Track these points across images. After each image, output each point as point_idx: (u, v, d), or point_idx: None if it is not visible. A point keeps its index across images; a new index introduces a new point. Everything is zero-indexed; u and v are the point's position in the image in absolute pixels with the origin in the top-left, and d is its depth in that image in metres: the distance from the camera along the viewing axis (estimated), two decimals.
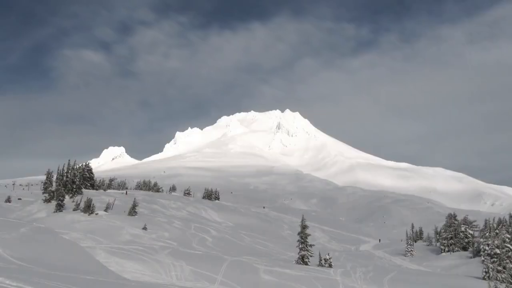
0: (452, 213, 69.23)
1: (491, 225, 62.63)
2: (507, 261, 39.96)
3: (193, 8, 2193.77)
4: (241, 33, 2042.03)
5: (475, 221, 70.29)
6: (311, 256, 39.85)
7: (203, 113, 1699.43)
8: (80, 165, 72.17)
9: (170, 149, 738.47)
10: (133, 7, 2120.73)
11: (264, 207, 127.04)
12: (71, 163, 67.03)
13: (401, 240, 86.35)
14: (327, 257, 39.25)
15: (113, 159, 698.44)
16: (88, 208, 49.21)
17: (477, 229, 67.23)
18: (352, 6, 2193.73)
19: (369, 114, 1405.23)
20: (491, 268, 38.64)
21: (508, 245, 42.06)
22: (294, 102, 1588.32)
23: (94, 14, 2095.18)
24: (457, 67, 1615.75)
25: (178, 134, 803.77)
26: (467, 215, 73.77)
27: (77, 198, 58.39)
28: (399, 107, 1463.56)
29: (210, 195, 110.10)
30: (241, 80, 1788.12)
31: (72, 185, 64.32)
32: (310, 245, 40.45)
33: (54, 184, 66.92)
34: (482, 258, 47.18)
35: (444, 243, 64.03)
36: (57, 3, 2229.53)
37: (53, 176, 70.32)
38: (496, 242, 44.81)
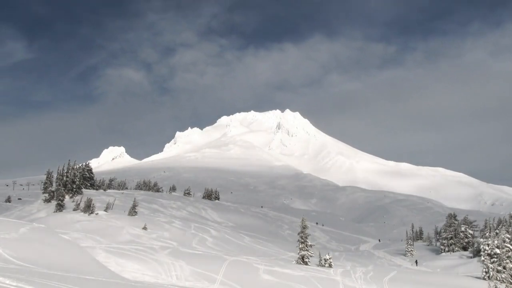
0: (452, 213, 69.23)
1: (491, 225, 62.65)
2: (507, 261, 39.92)
3: (235, 32, 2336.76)
4: (274, 53, 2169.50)
5: (475, 221, 70.29)
6: (311, 256, 39.85)
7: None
8: (80, 165, 72.14)
9: (170, 149, 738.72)
10: (179, 31, 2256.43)
11: (262, 207, 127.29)
12: (71, 163, 67.03)
13: (401, 240, 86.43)
14: (327, 257, 39.25)
15: (113, 159, 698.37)
16: (88, 208, 49.19)
17: (477, 229, 67.24)
18: (382, 27, 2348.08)
19: (389, 125, 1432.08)
20: (491, 268, 38.63)
21: (508, 245, 42.01)
22: (315, 112, 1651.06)
23: (143, 39, 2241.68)
24: (479, 80, 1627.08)
25: (178, 134, 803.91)
26: (467, 215, 73.78)
27: (77, 198, 58.37)
28: (419, 119, 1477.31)
29: (210, 195, 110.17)
30: (269, 95, 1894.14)
31: (72, 185, 64.28)
32: (310, 245, 40.46)
33: (54, 184, 66.90)
34: (482, 258, 47.17)
35: (444, 243, 64.03)
36: (114, 31, 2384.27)
37: (53, 176, 70.31)
38: (496, 242, 44.81)
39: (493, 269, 38.25)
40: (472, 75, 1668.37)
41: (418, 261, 57.81)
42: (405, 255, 64.48)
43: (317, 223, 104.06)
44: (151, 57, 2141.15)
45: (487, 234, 58.56)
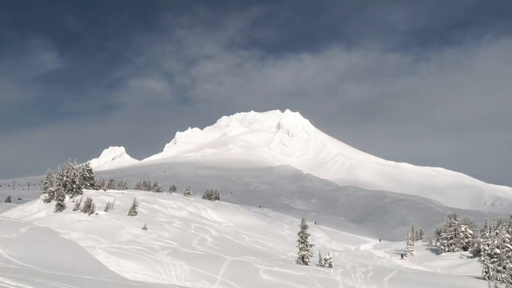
0: (452, 213, 69.21)
1: (491, 225, 62.68)
2: (507, 261, 39.95)
3: (257, 45, 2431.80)
4: (293, 63, 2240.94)
5: (475, 221, 70.33)
6: (311, 256, 39.85)
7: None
8: (80, 165, 72.11)
9: (170, 149, 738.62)
10: (203, 44, 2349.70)
11: (260, 206, 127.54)
12: (71, 163, 67.01)
13: (401, 240, 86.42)
14: (327, 257, 39.25)
15: (113, 159, 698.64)
16: (88, 208, 49.16)
17: (477, 229, 67.24)
18: (400, 38, 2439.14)
19: (402, 132, 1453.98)
20: (491, 268, 38.64)
21: (508, 245, 42.05)
22: (329, 119, 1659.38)
23: (168, 52, 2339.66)
24: (493, 88, 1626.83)
25: (178, 134, 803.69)
26: (467, 215, 73.82)
27: (77, 198, 58.36)
28: (433, 126, 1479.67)
29: (210, 195, 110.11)
30: (286, 104, 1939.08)
31: (72, 185, 64.27)
32: (310, 245, 40.46)
33: (54, 184, 66.89)
34: (482, 258, 47.20)
35: (444, 243, 64.04)
36: (142, 46, 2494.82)
37: (53, 176, 70.30)
38: (496, 242, 44.84)
39: (493, 269, 38.26)
40: (485, 83, 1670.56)
41: (418, 261, 57.87)
42: (405, 255, 64.50)
43: (315, 222, 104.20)
44: (174, 68, 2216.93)
45: (487, 234, 58.56)
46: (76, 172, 66.15)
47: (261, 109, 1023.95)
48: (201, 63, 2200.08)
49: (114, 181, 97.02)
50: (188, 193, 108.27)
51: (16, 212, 57.33)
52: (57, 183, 64.17)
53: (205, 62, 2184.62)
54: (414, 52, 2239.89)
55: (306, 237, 40.05)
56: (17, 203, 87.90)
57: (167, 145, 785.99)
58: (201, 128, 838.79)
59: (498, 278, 36.76)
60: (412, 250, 65.03)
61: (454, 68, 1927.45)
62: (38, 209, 56.35)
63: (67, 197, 60.39)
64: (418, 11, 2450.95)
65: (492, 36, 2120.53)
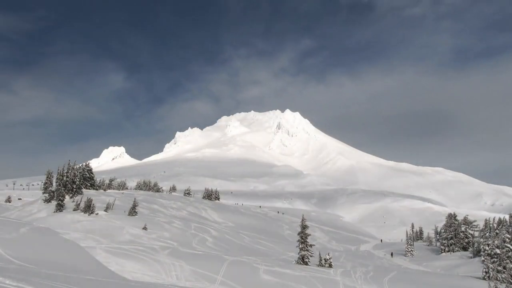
0: (452, 213, 69.19)
1: (491, 225, 62.68)
2: (507, 261, 39.95)
3: (303, 72, 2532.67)
4: (332, 86, 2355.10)
5: (475, 221, 70.30)
6: (311, 256, 39.85)
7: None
8: (80, 165, 72.09)
9: (170, 149, 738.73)
10: (254, 72, 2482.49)
11: (260, 206, 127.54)
12: (71, 163, 66.98)
13: (401, 240, 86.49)
14: (327, 257, 39.24)
15: (113, 159, 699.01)
16: (88, 208, 49.17)
17: (477, 229, 67.22)
18: (435, 63, 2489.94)
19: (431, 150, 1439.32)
20: (491, 268, 38.63)
21: (508, 245, 42.04)
22: (366, 138, 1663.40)
23: (220, 79, 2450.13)
24: None
25: (178, 134, 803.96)
26: (467, 215, 73.79)
27: (77, 198, 58.36)
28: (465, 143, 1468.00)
29: (210, 195, 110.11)
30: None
31: (72, 185, 64.24)
32: (310, 245, 40.45)
33: (54, 184, 66.85)
34: (482, 258, 47.18)
35: (444, 243, 64.02)
36: (200, 75, 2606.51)
37: (53, 176, 70.26)
38: (496, 242, 44.83)
39: (493, 269, 38.25)
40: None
41: (418, 261, 57.79)
42: (405, 255, 64.48)
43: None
44: (223, 93, 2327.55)
45: (487, 234, 58.61)
46: (76, 172, 66.11)
47: (261, 109, 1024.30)
48: (248, 87, 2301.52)
49: (114, 181, 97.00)
50: (188, 193, 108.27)
51: (16, 212, 57.33)
52: (57, 183, 64.13)
53: (252, 87, 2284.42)
54: (449, 75, 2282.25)
55: (306, 237, 40.04)
56: (17, 203, 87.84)
57: (167, 145, 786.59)
58: (201, 128, 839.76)
59: (498, 278, 36.76)
60: (412, 250, 65.02)
61: (487, 88, 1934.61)
62: (38, 209, 56.33)
63: (67, 197, 60.40)
64: (460, 37, 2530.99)
65: None
